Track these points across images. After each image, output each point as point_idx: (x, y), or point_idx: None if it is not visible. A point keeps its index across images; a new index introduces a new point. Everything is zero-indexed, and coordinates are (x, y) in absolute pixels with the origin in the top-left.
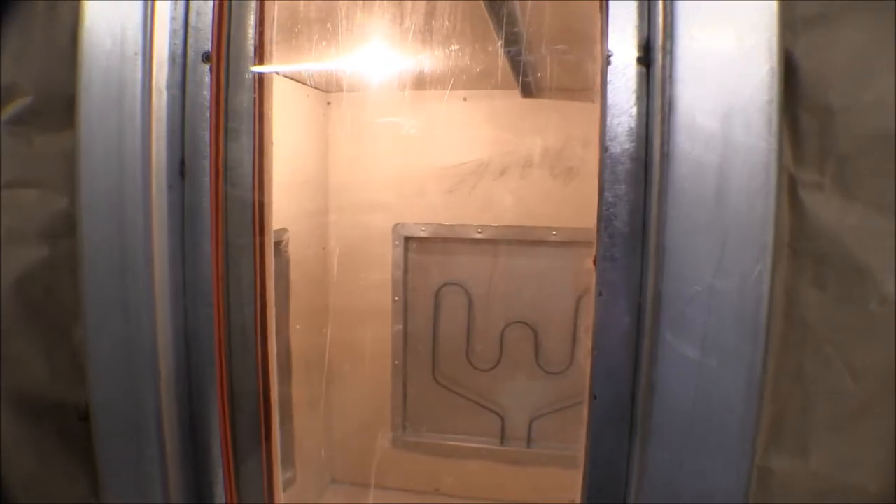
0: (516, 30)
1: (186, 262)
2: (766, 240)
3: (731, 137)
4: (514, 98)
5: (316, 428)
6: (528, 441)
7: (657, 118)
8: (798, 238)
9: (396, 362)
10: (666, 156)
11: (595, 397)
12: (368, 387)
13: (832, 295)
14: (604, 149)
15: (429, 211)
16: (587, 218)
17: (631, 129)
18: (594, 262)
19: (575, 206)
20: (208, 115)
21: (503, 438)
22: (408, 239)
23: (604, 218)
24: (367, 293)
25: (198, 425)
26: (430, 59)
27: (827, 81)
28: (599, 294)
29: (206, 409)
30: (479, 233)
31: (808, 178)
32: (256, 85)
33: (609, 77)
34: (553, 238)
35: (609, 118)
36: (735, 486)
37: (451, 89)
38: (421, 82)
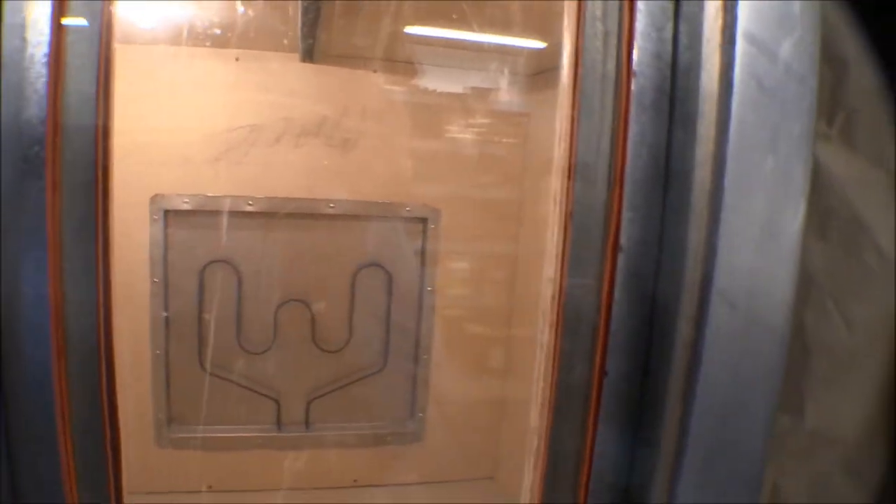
0: None
1: None
2: (801, 193)
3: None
4: (292, 62)
5: None
6: (307, 424)
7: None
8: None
9: (157, 351)
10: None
11: (606, 373)
12: (126, 380)
13: (834, 247)
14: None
15: (193, 181)
16: (365, 191)
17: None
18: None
19: (352, 177)
20: None
21: (280, 424)
22: (168, 212)
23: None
24: (121, 274)
25: None
26: (201, 11)
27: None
28: (620, 249)
29: None
30: (249, 205)
31: (819, 130)
32: None
33: None
34: (330, 210)
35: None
36: (756, 451)
37: (224, 47)
38: (188, 38)
